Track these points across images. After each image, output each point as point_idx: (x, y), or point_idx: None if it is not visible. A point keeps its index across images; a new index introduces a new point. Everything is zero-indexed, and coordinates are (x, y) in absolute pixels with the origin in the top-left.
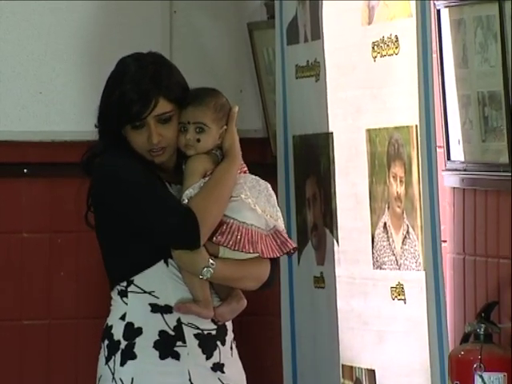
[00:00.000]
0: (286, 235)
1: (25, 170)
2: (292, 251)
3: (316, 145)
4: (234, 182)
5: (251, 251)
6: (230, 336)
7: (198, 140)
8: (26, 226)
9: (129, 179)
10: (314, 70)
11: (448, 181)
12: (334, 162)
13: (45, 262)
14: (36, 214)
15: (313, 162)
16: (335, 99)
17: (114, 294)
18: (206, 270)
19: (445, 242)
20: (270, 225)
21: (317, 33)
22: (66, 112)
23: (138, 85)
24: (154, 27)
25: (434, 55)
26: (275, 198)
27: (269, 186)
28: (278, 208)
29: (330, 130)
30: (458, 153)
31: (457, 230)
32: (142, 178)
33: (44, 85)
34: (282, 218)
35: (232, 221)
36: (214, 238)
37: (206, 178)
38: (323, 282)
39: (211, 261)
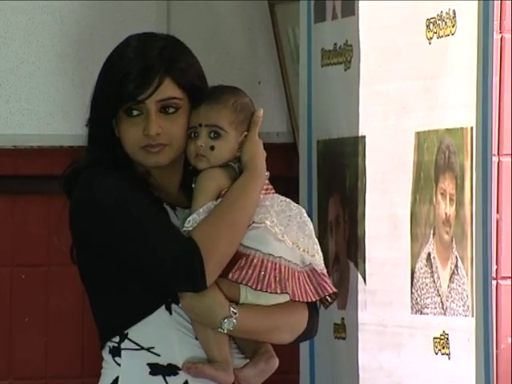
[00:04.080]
0: (325, 276)
1: None
2: (329, 299)
3: (342, 153)
4: (254, 203)
5: (278, 291)
6: None
7: (212, 148)
8: None
9: (115, 205)
10: (343, 55)
11: None
12: (364, 175)
13: (5, 304)
14: None
15: (338, 174)
16: (371, 93)
17: (106, 354)
18: (226, 322)
19: None
20: (305, 261)
21: (350, 7)
22: (32, 110)
23: (141, 58)
24: (147, 4)
25: None
26: (311, 226)
27: (303, 211)
28: (316, 240)
29: (362, 133)
30: None
31: None
32: (132, 200)
33: (4, 75)
34: (320, 253)
35: (254, 252)
36: (230, 275)
37: (220, 200)
38: (344, 331)
39: (233, 309)
